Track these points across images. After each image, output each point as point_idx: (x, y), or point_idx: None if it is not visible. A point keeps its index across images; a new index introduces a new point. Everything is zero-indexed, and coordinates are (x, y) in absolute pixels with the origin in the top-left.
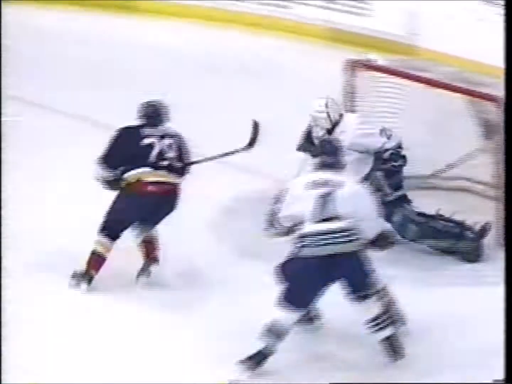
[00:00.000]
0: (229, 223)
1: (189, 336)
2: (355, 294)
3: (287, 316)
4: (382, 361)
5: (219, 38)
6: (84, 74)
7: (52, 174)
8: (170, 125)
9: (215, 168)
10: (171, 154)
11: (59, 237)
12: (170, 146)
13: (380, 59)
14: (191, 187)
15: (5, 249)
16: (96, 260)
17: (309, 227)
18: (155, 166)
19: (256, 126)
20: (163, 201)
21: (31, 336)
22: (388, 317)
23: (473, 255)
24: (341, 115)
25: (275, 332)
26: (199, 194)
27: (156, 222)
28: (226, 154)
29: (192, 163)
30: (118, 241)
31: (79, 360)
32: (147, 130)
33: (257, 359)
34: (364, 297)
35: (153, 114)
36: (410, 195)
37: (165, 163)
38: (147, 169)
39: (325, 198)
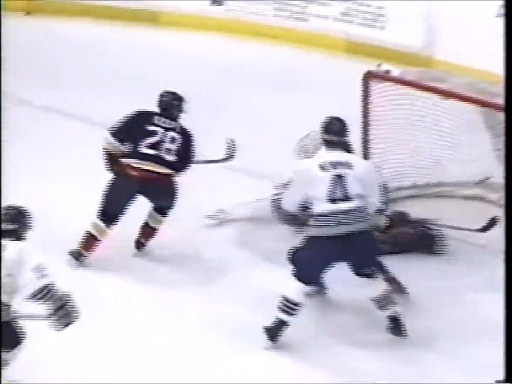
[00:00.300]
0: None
1: (205, 309)
2: (363, 272)
3: (299, 291)
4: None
5: (239, 49)
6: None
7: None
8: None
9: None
10: (170, 146)
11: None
12: (173, 139)
13: (395, 70)
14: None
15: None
16: (89, 241)
17: (323, 207)
18: (142, 154)
19: (231, 145)
20: (146, 188)
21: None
22: (392, 296)
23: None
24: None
25: (289, 307)
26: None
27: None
28: (210, 161)
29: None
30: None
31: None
32: (157, 119)
33: (273, 332)
34: (371, 275)
35: (169, 105)
36: (423, 203)
37: (153, 152)
38: (133, 157)
39: (339, 179)
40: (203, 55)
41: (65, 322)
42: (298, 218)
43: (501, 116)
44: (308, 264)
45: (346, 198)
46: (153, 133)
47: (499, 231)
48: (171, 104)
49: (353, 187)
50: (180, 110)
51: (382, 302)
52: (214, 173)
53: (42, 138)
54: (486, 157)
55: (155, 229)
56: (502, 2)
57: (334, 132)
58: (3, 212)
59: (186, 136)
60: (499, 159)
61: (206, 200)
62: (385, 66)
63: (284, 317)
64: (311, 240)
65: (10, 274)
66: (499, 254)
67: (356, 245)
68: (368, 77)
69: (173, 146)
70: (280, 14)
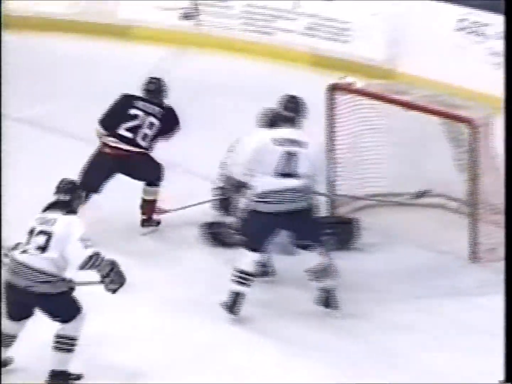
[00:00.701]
0: None
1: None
2: (301, 243)
3: (250, 262)
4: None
5: (207, 63)
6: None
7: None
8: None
9: None
10: (147, 131)
11: None
12: (151, 125)
13: (359, 82)
14: None
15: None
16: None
17: (268, 182)
18: (119, 135)
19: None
20: (122, 165)
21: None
22: (326, 270)
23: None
24: None
25: (243, 277)
26: None
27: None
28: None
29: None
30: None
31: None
32: (141, 103)
33: (231, 306)
34: (308, 247)
35: (153, 90)
36: (385, 212)
37: (130, 135)
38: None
39: (290, 156)
40: (172, 68)
41: (118, 283)
42: (240, 188)
43: (461, 127)
44: (255, 235)
45: (294, 175)
46: (134, 117)
47: (462, 238)
48: (156, 89)
49: (302, 166)
50: (163, 95)
51: (317, 274)
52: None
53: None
54: (447, 167)
55: (151, 201)
56: (461, 17)
57: (291, 109)
58: (58, 184)
59: (167, 120)
60: (459, 169)
61: None
62: (349, 79)
63: (240, 288)
64: (256, 214)
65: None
66: (461, 260)
67: (297, 220)
68: (333, 89)
69: (150, 132)
70: (248, 29)
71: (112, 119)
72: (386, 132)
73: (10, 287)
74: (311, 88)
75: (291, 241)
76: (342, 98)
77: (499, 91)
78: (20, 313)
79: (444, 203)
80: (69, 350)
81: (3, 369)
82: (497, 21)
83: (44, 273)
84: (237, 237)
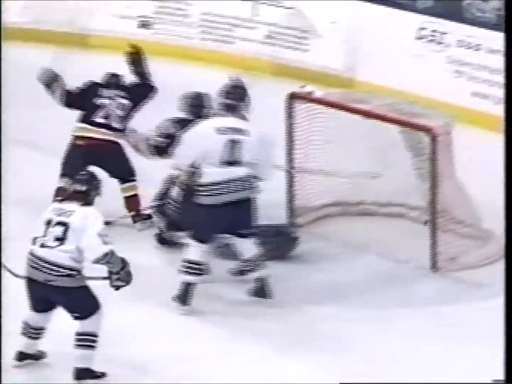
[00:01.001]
0: None
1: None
2: (240, 231)
3: (198, 251)
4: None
5: (167, 72)
6: None
7: None
8: None
9: None
10: (119, 113)
11: None
12: (121, 106)
13: (319, 91)
14: None
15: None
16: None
17: (213, 173)
18: (95, 123)
19: None
20: (95, 157)
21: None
22: (259, 260)
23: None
24: None
25: (193, 267)
26: None
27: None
28: None
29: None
30: None
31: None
32: (105, 91)
33: (182, 297)
34: (245, 236)
35: (113, 76)
36: (346, 221)
37: (104, 121)
38: (82, 124)
39: (234, 144)
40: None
41: (125, 282)
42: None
43: (420, 136)
44: (202, 226)
45: (238, 164)
46: (102, 106)
47: (422, 247)
48: (115, 74)
49: (246, 154)
50: (121, 79)
51: (252, 264)
52: None
53: None
54: (407, 176)
55: (132, 196)
56: (420, 25)
57: (233, 97)
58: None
59: (137, 95)
60: (419, 178)
61: None
62: (308, 88)
63: (190, 278)
64: (202, 205)
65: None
66: (421, 270)
67: (241, 209)
68: (293, 98)
69: (122, 113)
70: (207, 37)
71: (76, 101)
72: (345, 141)
73: (31, 281)
74: (271, 97)
75: (231, 231)
76: (301, 107)
77: (459, 99)
78: (42, 306)
79: (404, 212)
80: (91, 347)
81: (35, 362)
82: (457, 29)
83: (63, 267)
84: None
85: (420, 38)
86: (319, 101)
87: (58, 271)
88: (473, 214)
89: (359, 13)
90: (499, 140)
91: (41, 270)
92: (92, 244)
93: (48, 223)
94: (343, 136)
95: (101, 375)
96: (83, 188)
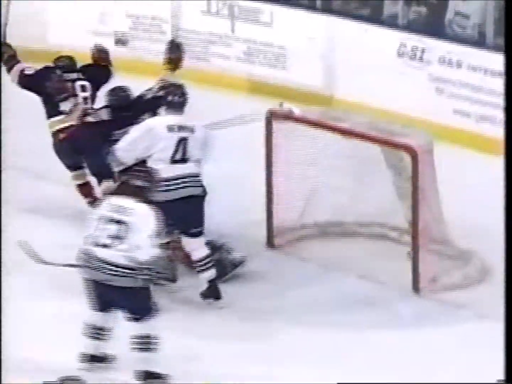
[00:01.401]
0: None
1: None
2: (190, 230)
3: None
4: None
5: (139, 89)
6: None
7: None
8: None
9: None
10: (84, 95)
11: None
12: (83, 88)
13: (297, 109)
14: None
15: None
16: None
17: (164, 170)
18: (62, 112)
19: None
20: (77, 145)
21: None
22: (213, 260)
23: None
24: None
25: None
26: None
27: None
28: None
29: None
30: None
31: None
32: (64, 75)
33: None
34: (198, 235)
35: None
36: (325, 241)
37: (70, 107)
38: (55, 118)
39: (182, 142)
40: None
41: (162, 281)
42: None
43: (401, 154)
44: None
45: (187, 161)
46: (64, 90)
47: (403, 268)
48: (69, 57)
49: (193, 152)
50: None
51: (203, 263)
52: None
53: None
54: (387, 195)
55: (82, 185)
56: (400, 42)
57: (179, 95)
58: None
59: (95, 75)
60: (400, 197)
61: None
62: (286, 106)
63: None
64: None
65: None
66: (402, 291)
67: (189, 207)
68: (271, 116)
69: (87, 94)
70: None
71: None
72: (324, 159)
73: (90, 281)
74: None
75: (180, 229)
76: (279, 126)
77: (440, 117)
78: (102, 305)
79: (385, 232)
80: (152, 350)
81: (103, 364)
82: (438, 46)
83: (123, 267)
84: None
85: (401, 55)
86: (298, 120)
87: (118, 271)
88: (451, 234)
89: (337, 30)
90: (481, 158)
91: (100, 270)
92: (145, 246)
93: (103, 220)
94: (322, 155)
95: (164, 376)
96: (144, 184)
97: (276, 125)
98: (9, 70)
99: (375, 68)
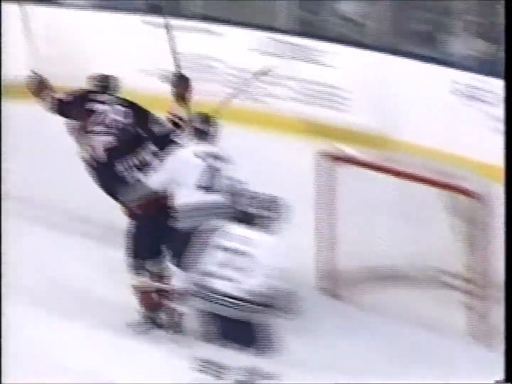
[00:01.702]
0: None
1: None
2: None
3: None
4: None
5: None
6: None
7: None
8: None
9: None
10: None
11: None
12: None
13: (352, 151)
14: None
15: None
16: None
17: (186, 196)
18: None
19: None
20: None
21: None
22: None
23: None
24: None
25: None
26: None
27: None
28: None
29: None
30: None
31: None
32: (99, 96)
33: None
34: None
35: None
36: (378, 286)
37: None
38: (84, 137)
39: (212, 170)
40: None
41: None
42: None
43: (459, 197)
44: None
45: (215, 190)
46: (98, 112)
47: (459, 315)
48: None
49: (223, 181)
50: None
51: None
52: None
53: None
54: (442, 238)
55: None
56: (456, 80)
57: (207, 122)
58: (255, 198)
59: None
60: (456, 241)
61: None
62: (341, 147)
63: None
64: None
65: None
66: (458, 338)
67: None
68: (324, 157)
69: (120, 119)
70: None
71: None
72: (378, 202)
73: (205, 313)
74: (300, 156)
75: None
76: (332, 168)
77: (498, 158)
78: (219, 338)
79: (440, 277)
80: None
81: None
82: (496, 85)
83: (242, 299)
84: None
85: (455, 93)
86: (351, 161)
87: (238, 304)
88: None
89: (391, 68)
90: None
91: (218, 303)
92: (269, 277)
93: (221, 249)
94: (376, 197)
95: None
96: (269, 214)
97: (329, 166)
98: (41, 98)
99: (430, 107)
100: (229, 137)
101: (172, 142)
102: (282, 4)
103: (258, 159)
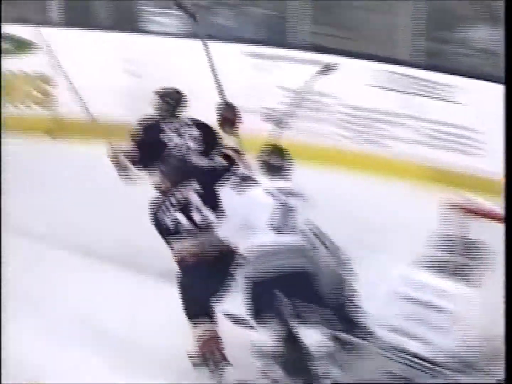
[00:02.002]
0: None
1: None
2: (300, 314)
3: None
4: None
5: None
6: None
7: None
8: None
9: None
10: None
11: None
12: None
13: (486, 202)
14: None
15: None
16: None
17: (257, 239)
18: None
19: None
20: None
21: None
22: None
23: None
24: None
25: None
26: None
27: None
28: None
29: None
30: None
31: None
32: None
33: None
34: (307, 320)
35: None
36: None
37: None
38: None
39: (286, 208)
40: None
41: None
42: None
43: None
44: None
45: (291, 230)
46: (171, 143)
47: None
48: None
49: (300, 219)
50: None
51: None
52: None
53: None
54: None
55: None
56: None
57: (279, 156)
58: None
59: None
60: None
61: None
62: (473, 197)
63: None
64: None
65: None
66: None
67: (294, 285)
68: (453, 208)
69: (194, 145)
70: (349, 136)
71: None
72: None
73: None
74: (424, 206)
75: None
76: (463, 221)
77: None
78: None
79: None
80: None
81: None
82: None
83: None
84: None
85: None
86: (485, 214)
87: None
88: None
89: None
90: None
91: (415, 368)
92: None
93: (406, 300)
94: None
95: None
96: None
97: (458, 219)
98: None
99: None
100: (345, 183)
101: (223, 177)
102: (405, 32)
103: (374, 209)
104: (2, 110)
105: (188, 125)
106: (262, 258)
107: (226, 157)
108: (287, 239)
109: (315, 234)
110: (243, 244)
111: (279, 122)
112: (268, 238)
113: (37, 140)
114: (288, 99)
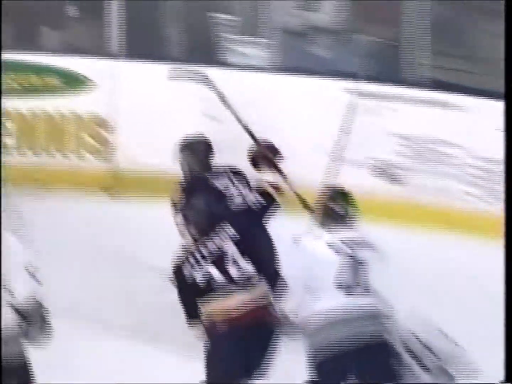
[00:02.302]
0: None
1: None
2: None
3: None
4: None
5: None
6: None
7: None
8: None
9: None
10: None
11: None
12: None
13: None
14: None
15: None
16: None
17: (329, 302)
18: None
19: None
20: None
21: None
22: None
23: None
24: None
25: None
26: None
27: None
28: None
29: None
30: None
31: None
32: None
33: None
34: None
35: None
36: None
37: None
38: None
39: (355, 263)
40: None
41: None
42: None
43: None
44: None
45: (363, 290)
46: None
47: None
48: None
49: (373, 277)
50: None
51: None
52: None
53: None
54: None
55: None
56: None
57: (342, 202)
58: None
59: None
60: None
61: None
62: None
63: None
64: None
65: None
66: None
67: (368, 357)
68: None
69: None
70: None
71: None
72: None
73: None
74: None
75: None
76: None
77: None
78: None
79: None
80: None
81: None
82: None
83: None
84: None
85: None
86: None
87: None
88: None
89: None
90: None
91: None
92: None
93: None
94: None
95: None
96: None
97: None
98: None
99: None
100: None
101: (262, 218)
102: None
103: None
104: (48, 160)
105: (226, 172)
106: (329, 326)
107: (264, 194)
108: (360, 301)
109: None
110: (302, 310)
111: (392, 177)
112: (336, 301)
113: (91, 198)
114: (403, 148)
